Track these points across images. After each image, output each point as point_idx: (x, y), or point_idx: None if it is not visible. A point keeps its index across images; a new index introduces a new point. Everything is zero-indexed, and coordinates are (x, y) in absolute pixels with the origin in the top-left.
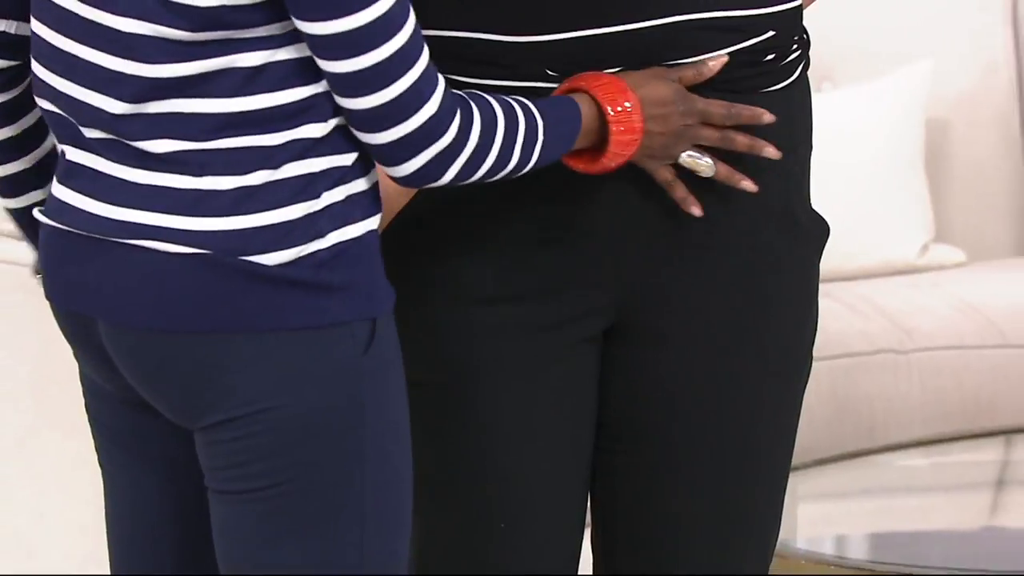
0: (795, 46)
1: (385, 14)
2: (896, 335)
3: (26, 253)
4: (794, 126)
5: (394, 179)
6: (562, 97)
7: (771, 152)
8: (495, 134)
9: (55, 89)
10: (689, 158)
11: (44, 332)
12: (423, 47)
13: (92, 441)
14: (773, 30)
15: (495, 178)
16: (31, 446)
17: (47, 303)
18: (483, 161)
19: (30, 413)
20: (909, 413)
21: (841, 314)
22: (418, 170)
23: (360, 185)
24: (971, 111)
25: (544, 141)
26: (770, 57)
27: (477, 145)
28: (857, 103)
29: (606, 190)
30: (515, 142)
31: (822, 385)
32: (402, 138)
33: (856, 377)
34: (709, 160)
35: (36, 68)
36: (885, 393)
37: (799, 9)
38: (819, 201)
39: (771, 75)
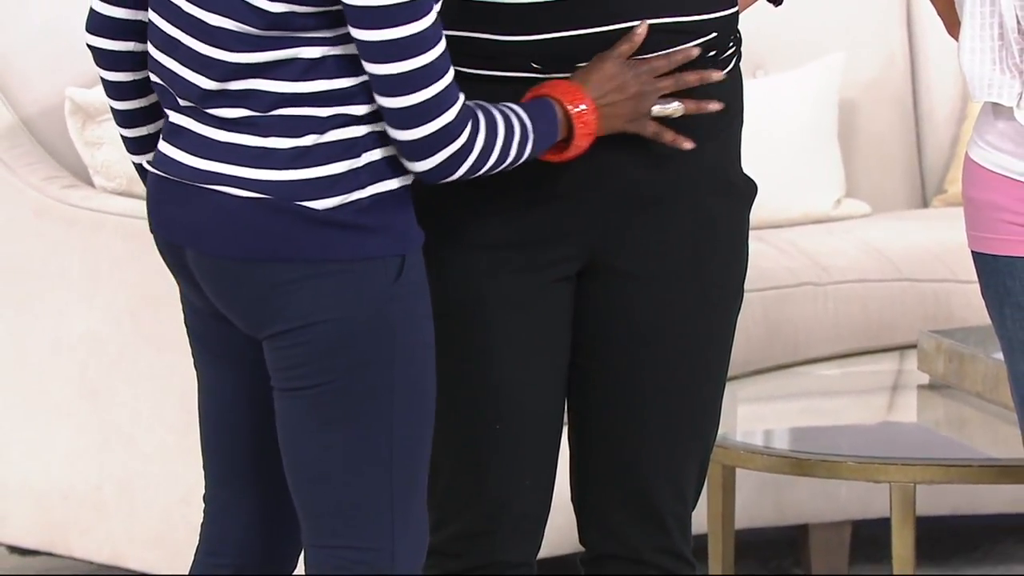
0: (731, 44)
1: (422, 32)
2: (815, 271)
3: (124, 206)
4: (729, 106)
5: (416, 175)
6: (543, 101)
7: (716, 76)
8: (496, 138)
9: (162, 65)
10: (659, 109)
11: (139, 268)
12: (450, 66)
13: (177, 357)
14: (715, 32)
15: (498, 170)
16: (128, 359)
17: (142, 244)
18: (487, 160)
19: (128, 331)
20: (825, 333)
21: (772, 255)
22: (435, 167)
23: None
24: (875, 94)
25: (534, 139)
26: (712, 53)
27: (482, 148)
28: (785, 87)
29: (583, 163)
30: (512, 143)
31: (756, 311)
32: (424, 137)
33: (783, 305)
34: (677, 103)
35: (150, 49)
36: (806, 317)
37: (735, 15)
38: (755, 166)
39: (712, 66)
